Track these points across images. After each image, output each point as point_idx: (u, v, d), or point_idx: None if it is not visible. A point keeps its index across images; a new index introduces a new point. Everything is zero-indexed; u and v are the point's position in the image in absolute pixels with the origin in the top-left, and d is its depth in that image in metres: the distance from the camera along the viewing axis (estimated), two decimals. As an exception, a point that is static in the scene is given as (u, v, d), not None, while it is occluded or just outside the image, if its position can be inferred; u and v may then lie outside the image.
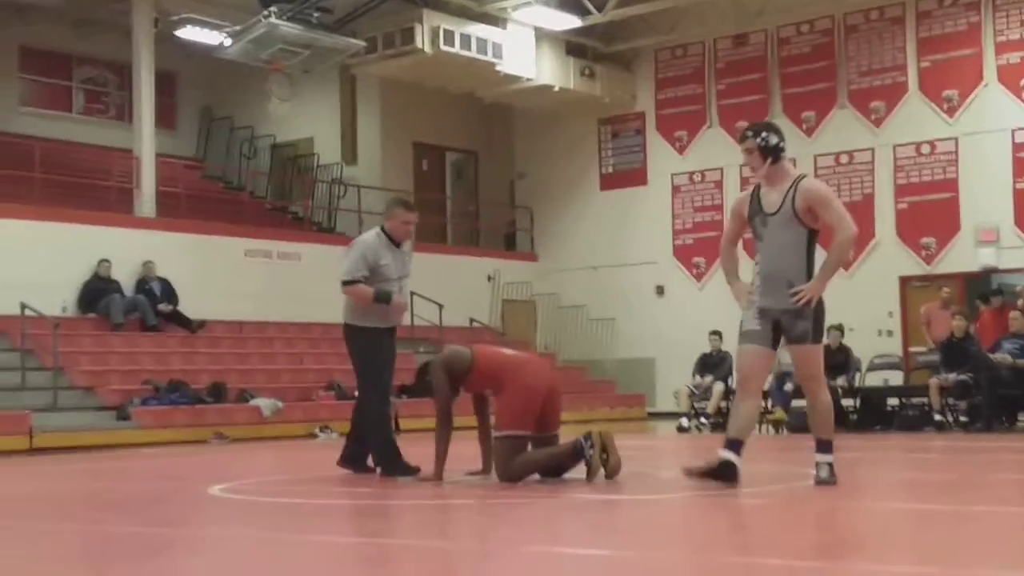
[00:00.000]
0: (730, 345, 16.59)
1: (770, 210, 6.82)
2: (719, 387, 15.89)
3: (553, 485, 7.30)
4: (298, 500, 7.33)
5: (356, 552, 5.01)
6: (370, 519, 6.59)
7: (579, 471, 7.43)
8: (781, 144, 6.93)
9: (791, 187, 6.78)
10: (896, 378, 16.48)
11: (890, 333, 19.01)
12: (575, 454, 7.39)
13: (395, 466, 8.15)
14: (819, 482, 6.82)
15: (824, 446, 6.86)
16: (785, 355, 16.04)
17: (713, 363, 16.35)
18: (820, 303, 6.79)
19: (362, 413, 8.53)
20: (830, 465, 6.85)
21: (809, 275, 6.74)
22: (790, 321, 6.76)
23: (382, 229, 8.42)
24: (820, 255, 6.81)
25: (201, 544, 5.43)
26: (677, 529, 5.77)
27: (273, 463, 11.33)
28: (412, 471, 8.03)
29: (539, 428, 7.50)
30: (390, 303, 8.23)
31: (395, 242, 8.38)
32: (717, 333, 16.46)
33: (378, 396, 8.41)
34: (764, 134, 6.92)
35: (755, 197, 6.94)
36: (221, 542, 5.43)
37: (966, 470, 9.12)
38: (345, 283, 8.25)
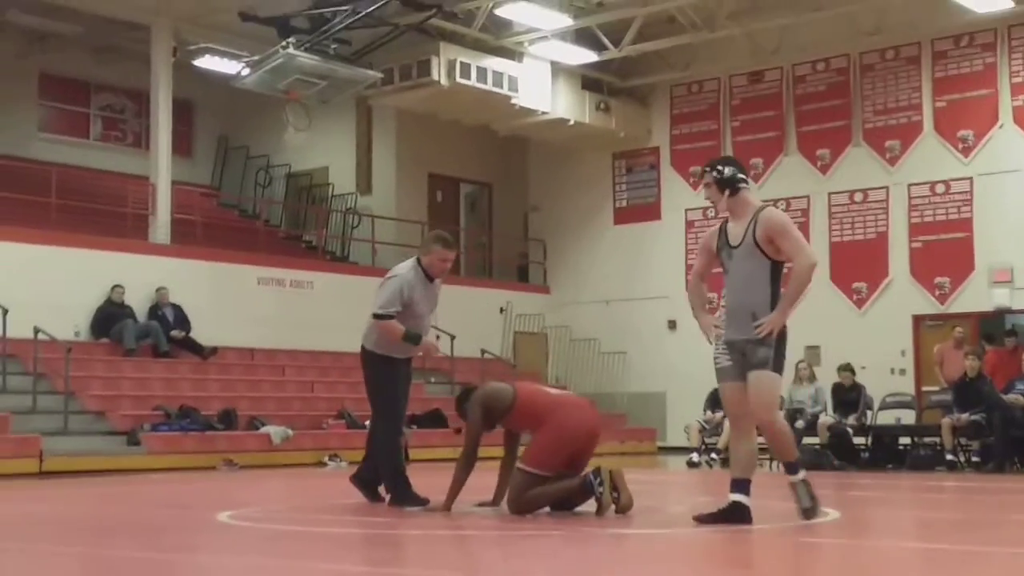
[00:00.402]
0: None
1: (734, 243, 6.89)
2: (727, 423, 15.83)
3: (562, 518, 7.27)
4: (306, 528, 7.31)
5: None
6: (378, 548, 6.57)
7: (590, 504, 7.40)
8: (739, 175, 6.96)
9: (752, 218, 6.83)
10: (908, 417, 16.39)
11: (903, 372, 18.92)
12: (584, 490, 7.36)
13: (405, 496, 8.13)
14: (805, 512, 6.87)
15: (792, 467, 6.90)
16: (797, 393, 16.06)
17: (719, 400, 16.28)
18: (783, 334, 6.82)
19: (375, 441, 8.53)
20: (806, 483, 6.88)
21: (773, 307, 6.76)
22: (752, 349, 6.78)
23: (418, 262, 8.38)
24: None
25: (206, 570, 5.41)
26: (684, 564, 5.73)
27: (282, 491, 11.30)
28: (421, 502, 8.01)
29: (566, 468, 7.44)
30: (418, 344, 8.28)
31: (429, 277, 8.37)
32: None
33: (391, 426, 8.41)
34: (719, 167, 7.00)
35: (722, 231, 7.02)
36: (227, 569, 5.42)
37: (977, 510, 9.06)
38: (378, 316, 8.23)
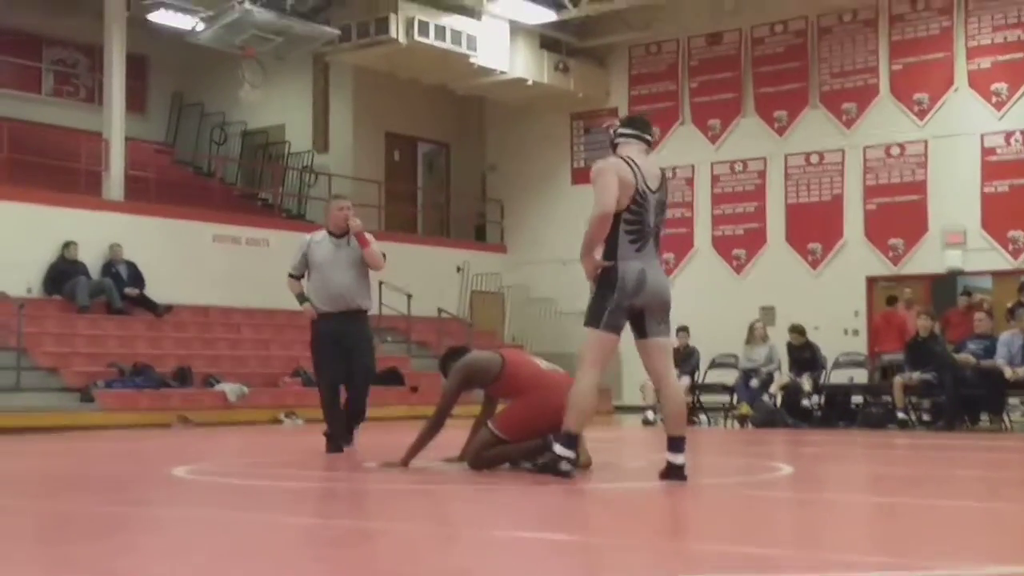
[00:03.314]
0: (697, 340, 16.75)
1: None
2: (685, 381, 15.94)
3: (521, 474, 7.30)
4: (262, 482, 7.30)
5: (316, 533, 5.00)
6: (333, 502, 6.58)
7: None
8: (618, 131, 6.82)
9: None
10: (861, 376, 16.60)
11: (856, 332, 19.12)
12: (544, 450, 7.35)
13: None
14: (533, 468, 6.81)
15: (568, 440, 6.57)
16: (752, 352, 16.25)
17: (680, 358, 16.38)
18: (600, 290, 6.55)
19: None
20: (566, 452, 6.54)
21: (609, 257, 6.56)
22: None
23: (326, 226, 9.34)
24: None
25: (161, 523, 5.40)
26: (640, 516, 5.79)
27: (238, 447, 11.28)
28: (332, 449, 9.03)
29: (533, 438, 7.29)
30: (300, 306, 9.37)
31: (336, 236, 9.19)
32: (685, 328, 16.53)
33: (317, 379, 9.51)
34: (616, 127, 6.93)
35: None
36: (182, 521, 5.41)
37: (927, 466, 9.20)
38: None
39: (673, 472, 6.54)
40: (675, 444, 6.56)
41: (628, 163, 6.60)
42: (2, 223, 16.27)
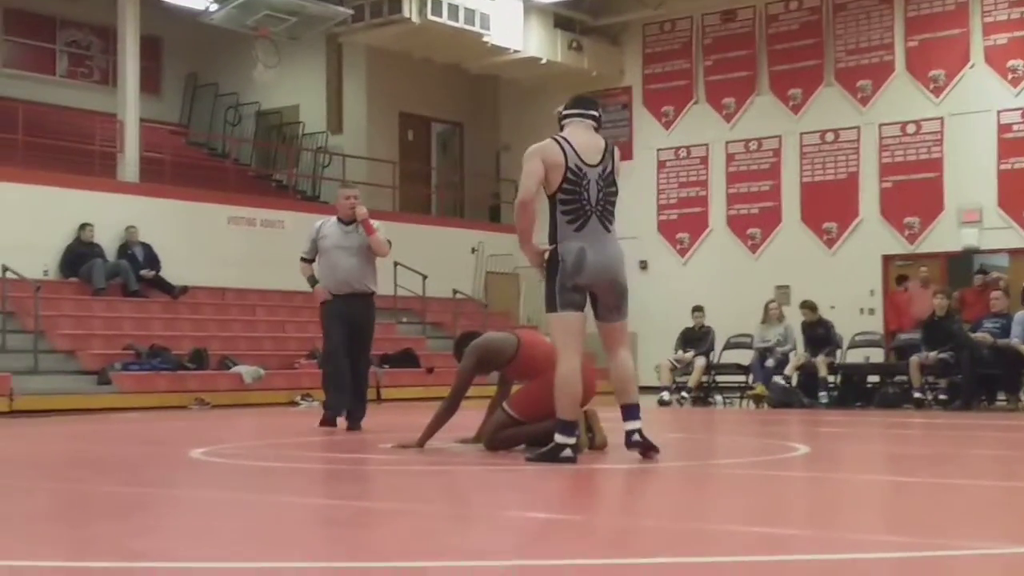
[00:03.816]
0: (712, 320, 16.74)
1: None
2: (701, 362, 15.98)
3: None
4: (278, 464, 7.33)
5: (332, 514, 5.02)
6: (349, 483, 6.60)
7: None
8: (564, 112, 6.83)
9: None
10: (877, 356, 16.57)
11: (872, 311, 19.06)
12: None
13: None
14: (539, 458, 6.55)
15: (564, 427, 6.51)
16: (767, 332, 16.23)
17: (696, 338, 16.41)
18: (548, 274, 6.56)
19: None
20: (566, 439, 6.49)
21: (552, 239, 6.59)
22: None
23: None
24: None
25: (180, 504, 5.43)
26: (655, 497, 5.79)
27: (254, 429, 11.32)
28: (326, 422, 9.73)
29: (549, 418, 7.33)
30: (311, 288, 9.89)
31: (344, 222, 9.69)
32: (700, 308, 16.54)
33: (323, 355, 10.57)
34: (560, 110, 6.90)
35: None
36: (199, 502, 5.44)
37: (943, 445, 9.19)
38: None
39: (630, 438, 6.59)
40: (627, 412, 6.62)
41: (558, 142, 6.61)
42: (18, 206, 16.31)
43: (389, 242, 9.88)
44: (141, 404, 14.40)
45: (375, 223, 9.73)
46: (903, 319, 16.72)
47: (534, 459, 6.60)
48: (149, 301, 17.22)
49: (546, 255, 6.61)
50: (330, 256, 9.67)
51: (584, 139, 6.68)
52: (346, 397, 9.66)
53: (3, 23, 21.89)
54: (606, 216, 6.65)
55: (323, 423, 9.78)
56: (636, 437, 6.57)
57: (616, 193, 6.75)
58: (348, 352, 9.63)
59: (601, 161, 6.65)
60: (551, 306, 6.54)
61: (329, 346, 9.78)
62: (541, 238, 6.70)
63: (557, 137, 6.67)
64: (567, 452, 6.49)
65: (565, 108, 6.88)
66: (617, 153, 6.82)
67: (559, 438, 6.53)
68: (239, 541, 4.21)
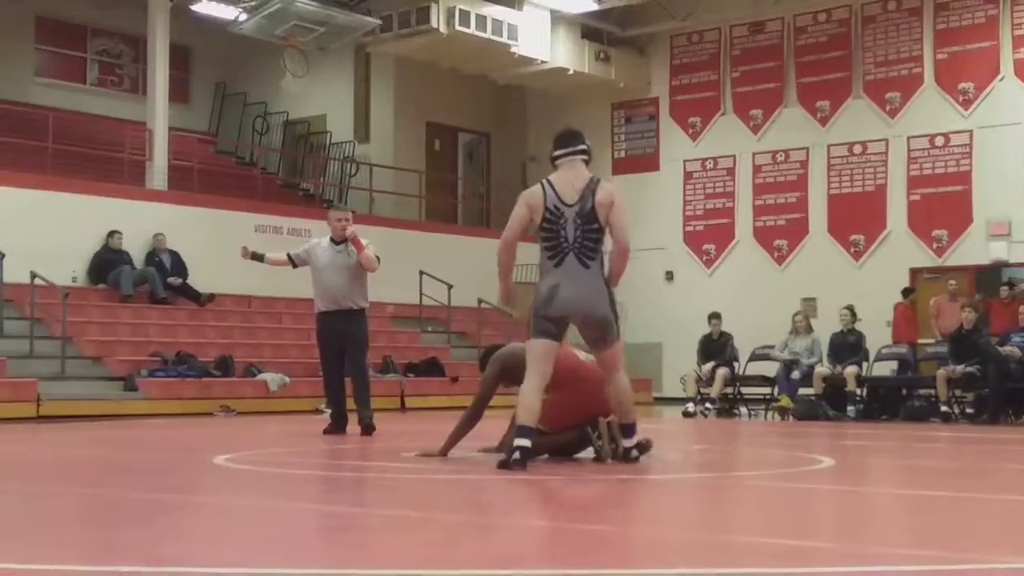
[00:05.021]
0: (737, 331, 16.67)
1: None
2: (723, 372, 15.90)
3: (560, 463, 7.30)
4: (302, 471, 7.35)
5: (354, 521, 5.03)
6: (372, 490, 6.61)
7: (587, 451, 7.43)
8: (553, 154, 7.09)
9: None
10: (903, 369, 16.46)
11: (899, 325, 18.93)
12: (583, 442, 7.38)
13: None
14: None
15: (523, 430, 6.73)
16: (794, 344, 16.15)
17: (716, 347, 16.28)
18: (536, 305, 6.97)
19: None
20: (520, 449, 6.67)
21: (539, 273, 7.09)
22: None
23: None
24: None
25: (204, 510, 5.46)
26: (677, 507, 5.78)
27: (278, 436, 11.35)
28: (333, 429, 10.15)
29: (570, 430, 7.40)
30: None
31: (336, 241, 10.06)
32: (717, 315, 16.41)
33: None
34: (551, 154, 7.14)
35: None
36: (223, 509, 5.46)
37: (970, 459, 9.13)
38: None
39: (628, 454, 7.08)
40: (625, 430, 7.10)
41: (543, 185, 7.00)
42: (47, 213, 16.43)
43: (378, 258, 10.22)
44: (167, 411, 14.46)
45: (364, 240, 10.12)
46: (912, 331, 16.73)
47: (500, 466, 6.73)
48: (176, 308, 17.30)
49: (509, 295, 7.25)
50: (322, 275, 10.12)
51: (567, 178, 6.96)
52: (340, 407, 10.28)
53: (35, 32, 22.09)
54: (584, 252, 6.93)
55: (325, 431, 10.27)
56: (634, 452, 7.08)
57: (599, 230, 6.95)
58: (340, 365, 10.20)
59: (580, 200, 6.87)
60: (529, 330, 7.00)
61: (321, 361, 10.45)
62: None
63: (544, 181, 7.05)
64: (516, 455, 6.69)
65: (554, 149, 7.10)
66: (605, 189, 6.98)
67: (517, 441, 6.78)
68: (262, 547, 4.23)
